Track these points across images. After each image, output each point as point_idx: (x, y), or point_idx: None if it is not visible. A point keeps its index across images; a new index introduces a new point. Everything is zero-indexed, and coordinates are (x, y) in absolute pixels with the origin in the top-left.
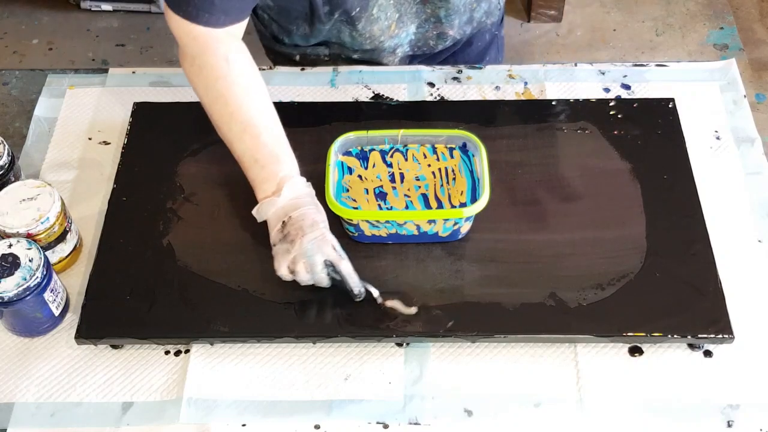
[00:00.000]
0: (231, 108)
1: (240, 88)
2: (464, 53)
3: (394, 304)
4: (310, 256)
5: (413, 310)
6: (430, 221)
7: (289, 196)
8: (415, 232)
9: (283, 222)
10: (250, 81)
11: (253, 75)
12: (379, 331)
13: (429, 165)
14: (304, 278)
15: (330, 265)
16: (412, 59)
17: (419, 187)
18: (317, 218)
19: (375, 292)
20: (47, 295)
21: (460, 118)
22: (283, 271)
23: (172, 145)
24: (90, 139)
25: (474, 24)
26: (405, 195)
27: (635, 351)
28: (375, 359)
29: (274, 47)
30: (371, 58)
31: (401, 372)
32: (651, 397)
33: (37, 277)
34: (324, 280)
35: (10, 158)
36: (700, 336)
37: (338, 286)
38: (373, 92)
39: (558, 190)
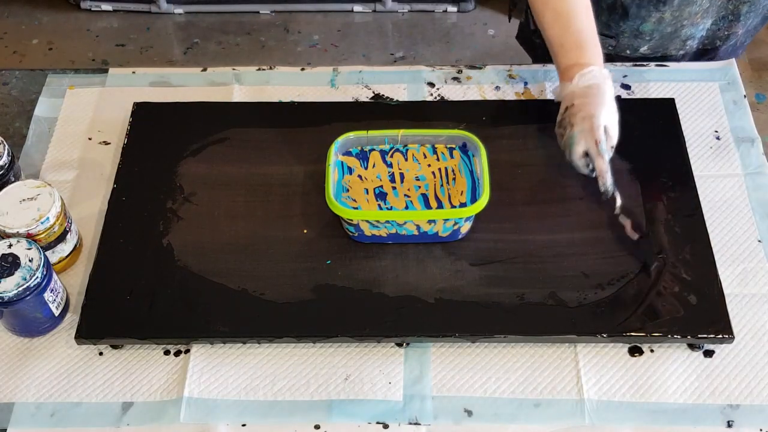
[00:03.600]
0: None
1: None
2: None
3: (625, 222)
4: (572, 145)
5: (635, 236)
6: (430, 221)
7: (579, 84)
8: (415, 232)
9: (566, 107)
10: None
11: None
12: (379, 331)
13: (429, 165)
14: (569, 161)
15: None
16: (695, 56)
17: (419, 187)
18: (594, 111)
19: (618, 202)
20: (47, 295)
21: (460, 118)
22: (561, 148)
23: (172, 145)
24: (90, 139)
25: (760, 27)
26: (405, 195)
27: (635, 351)
28: (375, 359)
29: None
30: (658, 49)
31: (401, 372)
32: (651, 397)
33: (37, 277)
34: (582, 168)
35: (10, 158)
36: (700, 336)
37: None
38: (373, 92)
39: (558, 190)
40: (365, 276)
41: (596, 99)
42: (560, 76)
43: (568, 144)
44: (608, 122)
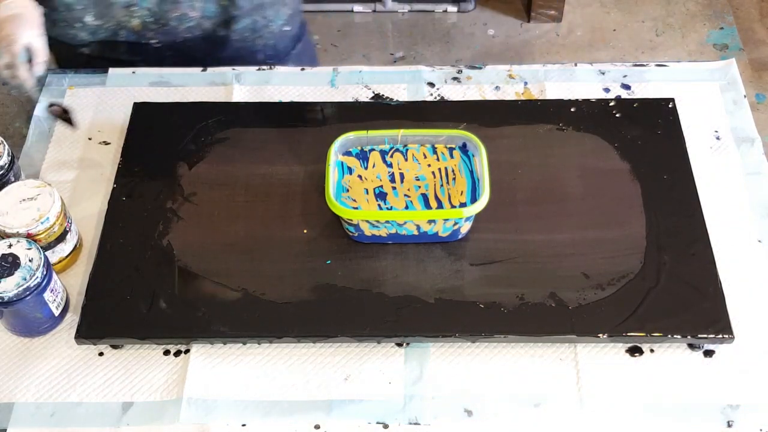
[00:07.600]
0: None
1: None
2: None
3: (55, 111)
4: None
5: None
6: (430, 221)
7: (3, 14)
8: (415, 232)
9: None
10: None
11: None
12: (379, 331)
13: (429, 165)
14: None
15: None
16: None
17: (419, 187)
18: (16, 32)
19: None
20: (47, 295)
21: (460, 118)
22: None
23: (172, 145)
24: (90, 139)
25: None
26: (405, 195)
27: (635, 351)
28: (375, 359)
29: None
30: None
31: (401, 372)
32: (651, 397)
33: (37, 277)
34: (8, 77)
35: (10, 158)
36: (700, 336)
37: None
38: (373, 92)
39: (558, 190)
40: (365, 276)
41: (19, 23)
42: None
43: None
44: (33, 42)
